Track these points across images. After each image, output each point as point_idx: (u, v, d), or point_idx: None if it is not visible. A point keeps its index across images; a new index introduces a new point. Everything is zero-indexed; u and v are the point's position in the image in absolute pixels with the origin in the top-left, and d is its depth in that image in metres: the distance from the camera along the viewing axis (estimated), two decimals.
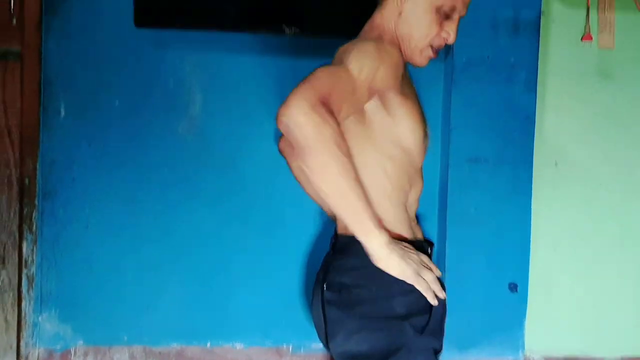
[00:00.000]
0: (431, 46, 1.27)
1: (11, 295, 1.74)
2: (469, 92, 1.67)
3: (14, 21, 1.71)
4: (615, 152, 1.84)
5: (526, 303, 1.71)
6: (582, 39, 1.76)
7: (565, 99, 1.82)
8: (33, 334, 1.77)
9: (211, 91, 1.76)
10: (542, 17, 1.68)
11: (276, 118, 1.02)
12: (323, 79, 1.06)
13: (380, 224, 1.12)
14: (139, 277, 1.77)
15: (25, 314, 1.76)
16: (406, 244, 1.20)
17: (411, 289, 1.18)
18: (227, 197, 1.77)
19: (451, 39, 1.28)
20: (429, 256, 1.30)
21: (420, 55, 1.28)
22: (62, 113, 1.74)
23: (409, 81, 1.32)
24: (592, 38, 1.76)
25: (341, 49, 1.22)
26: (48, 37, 1.72)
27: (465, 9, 1.28)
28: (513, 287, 1.70)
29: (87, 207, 1.76)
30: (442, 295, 1.21)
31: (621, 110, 1.83)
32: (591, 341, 1.86)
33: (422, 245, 1.29)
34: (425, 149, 1.31)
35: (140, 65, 1.74)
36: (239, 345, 1.80)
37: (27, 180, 1.73)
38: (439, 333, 1.25)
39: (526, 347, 1.77)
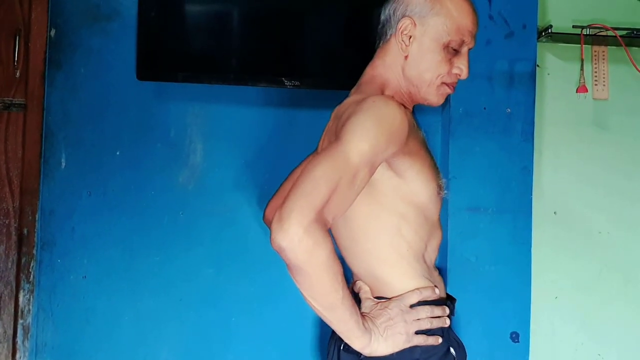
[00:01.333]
0: (444, 83, 1.25)
1: (6, 346, 1.72)
2: (466, 143, 1.69)
3: (18, 73, 1.73)
4: (612, 200, 1.86)
5: (528, 353, 1.69)
6: (577, 90, 1.80)
7: (562, 148, 1.84)
8: None
9: (212, 141, 1.77)
10: (537, 69, 1.72)
11: (270, 237, 1.01)
12: (320, 186, 1.02)
13: (364, 322, 1.14)
14: (136, 329, 1.74)
15: None
16: (390, 312, 1.20)
17: (434, 351, 1.20)
18: (227, 248, 1.76)
19: (464, 74, 1.26)
20: (451, 312, 1.28)
21: (436, 94, 1.26)
22: (63, 164, 1.74)
23: (417, 130, 1.27)
24: (587, 90, 1.80)
25: (339, 109, 1.20)
26: (52, 89, 1.74)
27: (474, 41, 1.25)
28: (515, 337, 1.69)
29: (86, 257, 1.75)
30: (445, 323, 1.23)
31: (617, 159, 1.86)
32: None
33: (443, 303, 1.27)
34: (441, 199, 1.28)
35: (142, 116, 1.76)
36: None
37: (25, 231, 1.73)
38: None
39: None
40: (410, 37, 1.23)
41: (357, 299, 1.26)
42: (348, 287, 1.35)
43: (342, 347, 1.23)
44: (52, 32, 1.75)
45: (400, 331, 1.18)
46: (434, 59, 1.22)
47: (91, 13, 1.76)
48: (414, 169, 1.20)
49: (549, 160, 1.84)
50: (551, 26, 1.75)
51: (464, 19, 1.23)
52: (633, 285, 1.85)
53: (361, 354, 1.18)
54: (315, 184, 1.02)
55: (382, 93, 1.25)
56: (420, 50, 1.23)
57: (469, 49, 1.26)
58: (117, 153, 1.75)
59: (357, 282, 1.29)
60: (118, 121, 1.75)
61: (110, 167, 1.75)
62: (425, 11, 1.22)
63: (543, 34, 1.76)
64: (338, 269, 1.05)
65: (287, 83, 1.64)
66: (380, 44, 1.29)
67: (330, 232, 1.06)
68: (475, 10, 1.26)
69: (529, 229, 1.69)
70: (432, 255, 1.30)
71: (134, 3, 1.69)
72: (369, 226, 1.21)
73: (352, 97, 1.24)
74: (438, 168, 1.29)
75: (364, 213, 1.21)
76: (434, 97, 1.26)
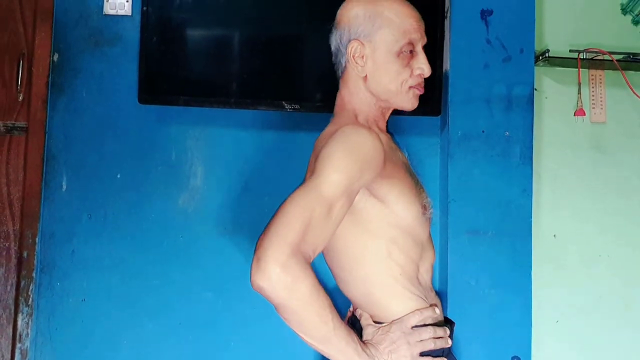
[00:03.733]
0: (411, 87, 1.26)
1: None
2: (465, 165, 1.69)
3: (20, 97, 1.75)
4: (612, 222, 1.85)
5: None
6: (574, 114, 1.81)
7: (560, 171, 1.85)
8: None
9: (212, 164, 1.78)
10: (535, 93, 1.73)
11: (250, 279, 1.01)
12: (293, 222, 1.02)
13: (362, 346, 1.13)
14: (136, 353, 1.73)
15: None
16: (392, 335, 1.19)
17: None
18: (227, 271, 1.76)
19: (426, 72, 1.26)
20: (450, 334, 1.28)
21: (408, 99, 1.26)
22: (64, 187, 1.75)
23: (394, 152, 1.28)
24: (584, 113, 1.81)
25: (317, 143, 1.21)
26: (54, 113, 1.76)
27: (424, 36, 1.26)
28: None
29: (85, 280, 1.74)
30: (447, 343, 1.24)
31: (615, 181, 1.86)
32: None
33: (443, 325, 1.27)
34: (429, 219, 1.28)
35: (143, 139, 1.77)
36: None
37: (25, 254, 1.73)
38: None
39: None
40: (363, 56, 1.24)
41: (359, 326, 1.26)
42: (345, 315, 1.36)
43: None
44: (55, 57, 1.78)
45: (405, 354, 1.17)
46: (392, 70, 1.24)
47: (94, 38, 1.78)
48: (394, 192, 1.20)
49: (547, 183, 1.84)
50: (548, 50, 1.76)
51: (405, 21, 1.24)
52: (634, 309, 1.84)
53: None
54: (288, 220, 1.02)
55: (356, 120, 1.26)
56: (376, 66, 1.24)
57: (423, 45, 1.27)
58: (118, 176, 1.76)
59: (357, 310, 1.29)
60: (119, 144, 1.77)
61: (111, 190, 1.76)
62: (369, 28, 1.24)
63: (540, 58, 1.77)
64: (324, 300, 1.05)
65: (287, 106, 1.66)
66: (340, 74, 1.31)
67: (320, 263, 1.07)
68: (413, 8, 1.27)
69: (529, 252, 1.69)
70: (425, 276, 1.30)
71: (136, 28, 1.72)
72: (359, 254, 1.21)
73: (328, 129, 1.26)
74: (423, 187, 1.29)
75: (352, 242, 1.21)
76: (407, 103, 1.28)
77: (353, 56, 1.25)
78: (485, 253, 1.68)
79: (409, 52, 1.24)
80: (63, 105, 1.77)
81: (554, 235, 1.84)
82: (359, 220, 1.19)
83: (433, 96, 1.65)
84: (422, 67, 1.25)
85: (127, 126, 1.77)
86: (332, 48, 1.31)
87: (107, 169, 1.76)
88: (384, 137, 1.26)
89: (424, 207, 1.26)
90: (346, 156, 1.10)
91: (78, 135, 1.76)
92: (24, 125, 1.75)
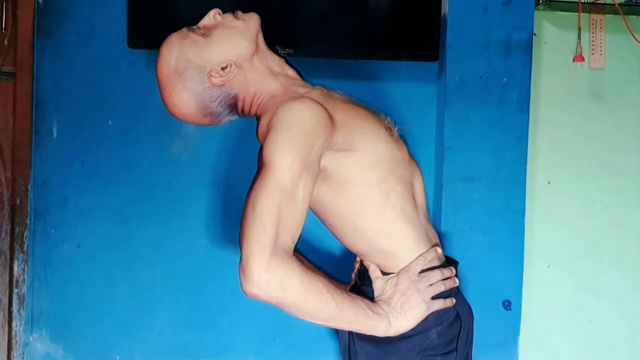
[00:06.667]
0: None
1: (1, 315, 1.73)
2: (462, 112, 1.67)
3: (6, 41, 1.70)
4: (607, 169, 1.86)
5: (520, 320, 1.71)
6: (574, 60, 1.78)
7: (557, 118, 1.83)
8: (24, 354, 1.75)
9: None
10: (534, 38, 1.70)
11: (242, 289, 1.06)
12: (265, 222, 1.04)
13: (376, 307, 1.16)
14: (131, 296, 1.76)
15: (15, 333, 1.74)
16: (401, 287, 1.20)
17: (445, 317, 1.22)
18: (220, 216, 1.76)
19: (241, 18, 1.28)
20: (455, 274, 1.30)
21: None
22: (55, 133, 1.73)
23: (332, 96, 1.26)
24: (584, 59, 1.78)
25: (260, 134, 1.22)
26: (41, 57, 1.71)
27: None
28: (507, 305, 1.71)
29: (80, 227, 1.74)
30: (455, 283, 1.26)
31: (612, 129, 1.85)
32: (584, 359, 1.87)
33: (447, 265, 1.29)
34: (398, 138, 1.27)
35: (134, 85, 1.73)
36: None
37: (18, 200, 1.72)
38: None
39: None
40: (226, 67, 1.24)
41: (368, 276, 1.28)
42: (345, 281, 1.37)
43: (356, 335, 1.24)
44: None
45: (418, 301, 1.18)
46: (237, 42, 1.28)
47: None
48: (357, 133, 1.18)
49: (544, 130, 1.83)
50: None
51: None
52: (625, 253, 1.87)
53: (376, 339, 1.19)
54: (259, 222, 1.04)
55: (271, 98, 1.26)
56: (240, 48, 1.27)
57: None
58: (110, 122, 1.74)
59: (364, 261, 1.29)
60: (109, 90, 1.73)
61: (103, 137, 1.73)
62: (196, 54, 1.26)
63: (541, 1, 1.73)
64: (318, 284, 1.07)
65: (280, 51, 1.61)
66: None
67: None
68: None
69: (523, 199, 1.69)
70: (420, 197, 1.31)
71: None
72: (358, 209, 1.21)
73: (263, 120, 1.24)
74: (378, 112, 1.27)
75: (346, 202, 1.20)
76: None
77: (214, 74, 1.26)
78: (480, 199, 1.69)
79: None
80: (51, 49, 1.72)
81: (549, 182, 1.85)
82: (342, 180, 1.18)
83: (431, 41, 1.62)
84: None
85: (117, 71, 1.73)
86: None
87: (98, 115, 1.73)
88: (315, 93, 1.24)
89: (389, 129, 1.24)
90: (288, 135, 1.09)
91: (67, 80, 1.72)
92: (11, 70, 1.70)
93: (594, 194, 1.86)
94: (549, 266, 1.86)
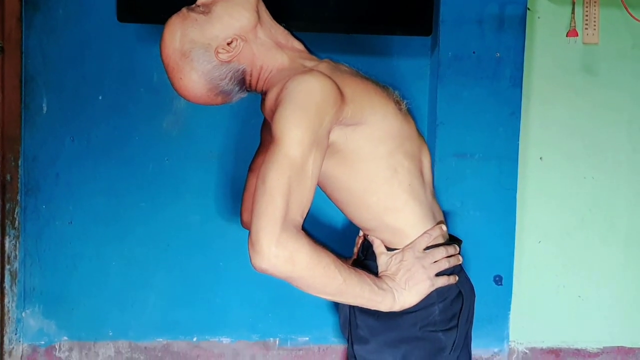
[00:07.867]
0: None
1: None
2: (455, 88, 1.67)
3: None
4: (599, 145, 1.86)
5: (511, 295, 1.72)
6: (567, 34, 1.77)
7: (550, 94, 1.83)
8: (17, 329, 1.76)
9: None
10: (527, 13, 1.68)
11: (251, 263, 1.04)
12: (275, 197, 1.03)
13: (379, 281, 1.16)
14: (124, 272, 1.76)
15: (8, 309, 1.74)
16: (406, 263, 1.20)
17: (448, 294, 1.22)
18: (212, 191, 1.76)
19: None
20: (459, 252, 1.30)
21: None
22: (45, 109, 1.71)
23: (339, 69, 1.23)
24: (577, 34, 1.77)
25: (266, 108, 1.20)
26: (29, 32, 1.69)
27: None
28: (498, 280, 1.72)
29: (71, 203, 1.74)
30: (459, 260, 1.26)
31: (605, 105, 1.84)
32: (574, 332, 1.89)
33: (451, 243, 1.28)
34: (406, 112, 1.25)
35: (124, 60, 1.72)
36: (225, 340, 1.80)
37: (9, 177, 1.71)
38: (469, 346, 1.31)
39: (511, 338, 1.80)
40: (231, 42, 1.21)
41: (372, 251, 1.28)
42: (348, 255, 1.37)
43: (357, 309, 1.24)
44: None
45: (422, 278, 1.19)
46: (242, 15, 1.23)
47: None
48: (365, 108, 1.16)
49: (536, 106, 1.83)
50: None
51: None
52: (616, 229, 1.88)
53: (378, 313, 1.19)
54: (270, 198, 1.03)
55: (280, 71, 1.24)
56: (240, 19, 1.22)
57: None
58: (100, 98, 1.72)
59: (369, 236, 1.29)
60: (99, 65, 1.71)
61: (93, 113, 1.72)
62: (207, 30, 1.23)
63: None
64: (326, 259, 1.07)
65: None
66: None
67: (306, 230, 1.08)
68: None
69: (515, 175, 1.70)
70: (427, 173, 1.30)
71: None
72: (367, 184, 1.19)
73: (270, 94, 1.21)
74: (386, 86, 1.25)
75: (355, 177, 1.19)
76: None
77: (220, 49, 1.22)
78: (472, 176, 1.69)
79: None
80: (39, 23, 1.69)
81: (540, 158, 1.85)
82: (350, 154, 1.17)
83: (425, 15, 1.61)
84: None
85: (107, 46, 1.71)
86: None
87: (88, 90, 1.71)
88: (322, 66, 1.21)
89: (398, 103, 1.23)
90: (297, 110, 1.07)
91: (56, 55, 1.70)
92: None
93: (586, 170, 1.86)
94: (540, 242, 1.87)
